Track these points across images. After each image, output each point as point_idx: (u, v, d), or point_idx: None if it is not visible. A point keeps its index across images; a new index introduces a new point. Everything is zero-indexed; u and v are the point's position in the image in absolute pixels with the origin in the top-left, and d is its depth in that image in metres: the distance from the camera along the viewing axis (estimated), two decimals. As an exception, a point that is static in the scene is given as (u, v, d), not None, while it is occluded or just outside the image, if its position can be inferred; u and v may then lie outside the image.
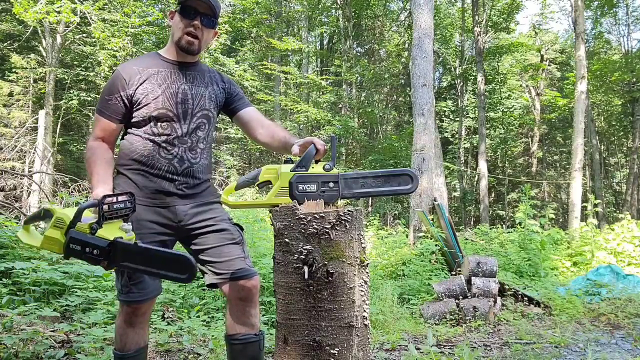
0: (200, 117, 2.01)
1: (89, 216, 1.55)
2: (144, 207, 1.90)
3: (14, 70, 15.44)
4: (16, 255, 3.91)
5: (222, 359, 3.04)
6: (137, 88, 1.91)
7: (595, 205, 9.32)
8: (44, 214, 1.66)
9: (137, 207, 1.86)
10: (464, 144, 24.00)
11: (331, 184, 1.54)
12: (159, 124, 1.92)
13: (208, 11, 1.94)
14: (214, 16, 1.96)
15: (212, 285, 2.04)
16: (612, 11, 21.82)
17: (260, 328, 2.05)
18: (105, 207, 1.55)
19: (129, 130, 1.97)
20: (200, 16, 1.93)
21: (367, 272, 1.50)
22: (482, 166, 18.64)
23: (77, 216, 1.52)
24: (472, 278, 5.07)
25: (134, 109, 1.92)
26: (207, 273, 2.01)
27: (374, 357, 3.48)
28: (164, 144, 1.92)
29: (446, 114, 25.30)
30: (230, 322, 2.02)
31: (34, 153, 12.66)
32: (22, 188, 10.54)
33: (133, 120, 1.93)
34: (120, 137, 2.03)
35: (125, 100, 1.91)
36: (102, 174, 1.83)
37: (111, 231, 1.54)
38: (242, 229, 2.09)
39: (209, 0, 1.92)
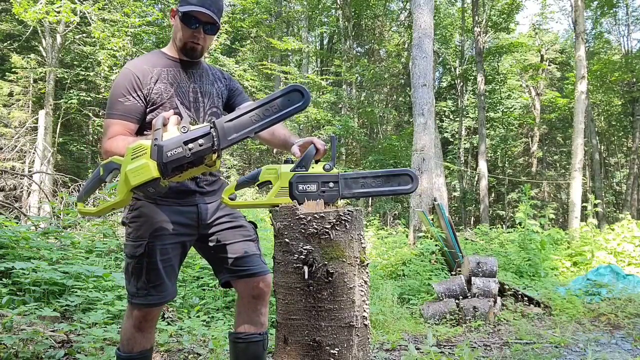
0: (210, 115, 2.02)
1: (166, 132, 1.51)
2: (166, 208, 1.88)
3: (14, 70, 15.44)
4: (16, 255, 3.91)
5: (222, 359, 3.04)
6: (152, 88, 1.87)
7: (595, 205, 9.32)
8: (104, 170, 1.57)
9: (159, 209, 1.86)
10: (464, 144, 24.01)
11: (331, 184, 1.54)
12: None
13: (210, 20, 1.91)
14: (215, 23, 1.93)
15: (226, 285, 2.04)
16: (612, 11, 21.82)
17: (267, 327, 2.06)
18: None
19: (144, 132, 1.90)
20: (203, 25, 1.91)
21: (367, 272, 1.50)
22: (482, 166, 18.64)
23: (157, 131, 1.47)
24: (472, 278, 5.07)
25: (148, 110, 1.88)
26: (221, 271, 2.02)
27: (374, 357, 3.48)
28: None
29: (446, 114, 25.30)
30: (239, 320, 2.03)
31: (34, 153, 12.68)
32: (22, 188, 10.55)
33: (147, 121, 1.87)
34: None
35: (143, 100, 1.86)
36: (140, 137, 1.79)
37: (199, 125, 1.51)
38: (255, 226, 2.11)
39: (211, 12, 1.88)
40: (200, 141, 1.47)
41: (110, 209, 1.60)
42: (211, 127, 1.49)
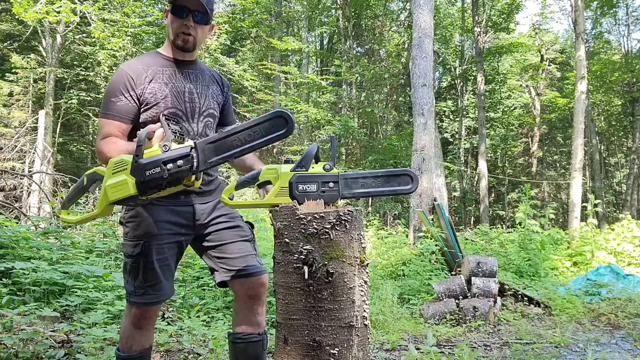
0: (207, 116, 2.01)
1: (149, 147, 1.51)
2: (162, 208, 1.89)
3: (14, 70, 15.43)
4: (16, 255, 3.91)
5: (222, 359, 3.04)
6: (146, 88, 1.87)
7: (595, 205, 9.32)
8: (87, 180, 1.59)
9: (154, 208, 1.86)
10: (464, 144, 24.02)
11: (331, 184, 1.54)
12: (169, 123, 1.90)
13: (199, 8, 1.90)
14: (206, 11, 1.93)
15: (222, 284, 2.04)
16: (612, 11, 21.83)
17: (265, 327, 2.06)
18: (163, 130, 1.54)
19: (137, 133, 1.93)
20: (192, 14, 1.91)
21: (367, 272, 1.50)
22: (482, 166, 18.64)
23: (139, 147, 1.47)
24: (472, 278, 5.07)
25: (142, 109, 1.88)
26: (217, 270, 2.02)
27: (374, 357, 3.48)
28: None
29: (446, 114, 25.30)
30: (236, 320, 2.03)
31: (34, 153, 12.67)
32: (22, 188, 10.55)
33: (141, 121, 1.88)
34: None
35: (136, 100, 1.86)
36: (130, 143, 1.80)
37: (180, 145, 1.50)
38: (252, 226, 2.11)
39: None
40: (179, 162, 1.46)
41: (90, 219, 1.65)
42: (192, 148, 1.49)
